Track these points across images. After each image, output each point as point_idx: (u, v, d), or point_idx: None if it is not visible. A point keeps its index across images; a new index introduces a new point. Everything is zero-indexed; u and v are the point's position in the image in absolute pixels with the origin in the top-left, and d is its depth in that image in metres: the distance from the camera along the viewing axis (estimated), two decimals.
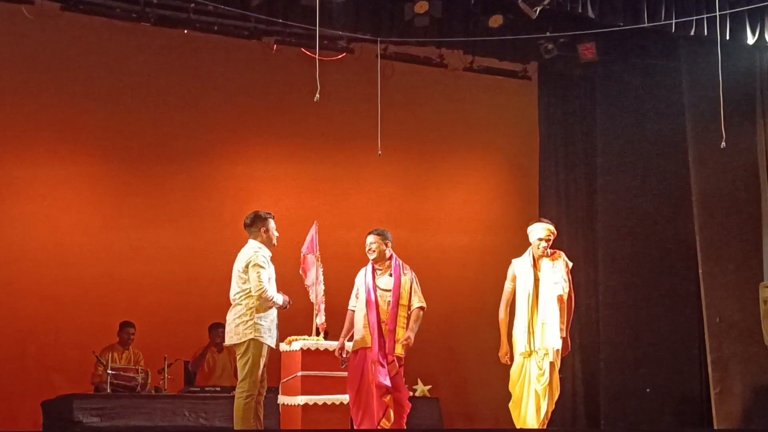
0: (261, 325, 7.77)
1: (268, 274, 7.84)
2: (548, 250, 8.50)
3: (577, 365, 11.44)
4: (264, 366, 7.86)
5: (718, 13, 9.63)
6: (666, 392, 11.05)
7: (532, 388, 8.34)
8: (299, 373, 8.31)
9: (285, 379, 8.54)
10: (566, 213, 11.82)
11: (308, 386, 8.27)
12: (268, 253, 7.93)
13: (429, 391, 10.77)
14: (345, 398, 8.21)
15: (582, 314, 11.56)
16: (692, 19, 9.90)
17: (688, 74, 10.71)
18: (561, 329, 8.39)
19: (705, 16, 9.85)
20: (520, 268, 8.55)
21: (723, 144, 9.20)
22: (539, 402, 8.32)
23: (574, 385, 11.40)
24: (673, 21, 9.90)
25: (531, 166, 12.08)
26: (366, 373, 8.00)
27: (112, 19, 10.40)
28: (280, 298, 7.84)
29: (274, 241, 8.00)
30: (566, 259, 8.57)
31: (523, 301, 8.46)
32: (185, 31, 10.58)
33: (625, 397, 11.12)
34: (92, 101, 11.14)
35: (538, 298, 8.41)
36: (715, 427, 10.15)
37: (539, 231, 8.52)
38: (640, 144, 11.46)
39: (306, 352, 8.33)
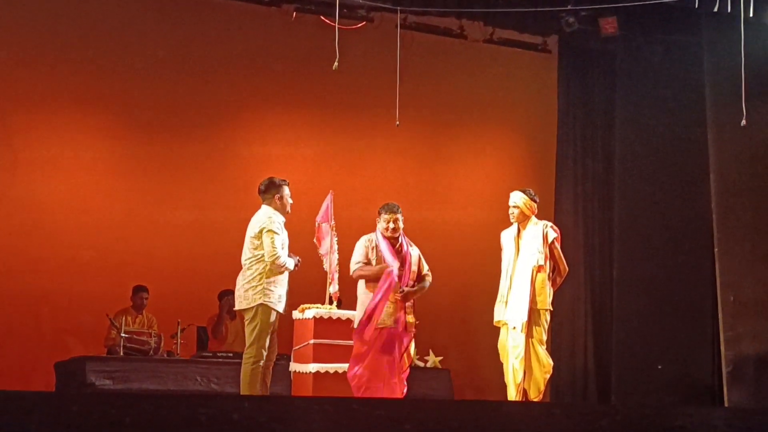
0: (271, 290, 7.82)
1: (281, 239, 7.85)
2: (534, 220, 8.46)
3: (590, 341, 11.45)
4: (273, 332, 7.91)
5: None
6: (678, 369, 11.05)
7: (510, 362, 8.34)
8: (311, 341, 8.34)
9: (297, 347, 8.57)
10: (583, 188, 11.79)
11: (320, 354, 8.30)
12: (281, 219, 7.95)
13: (440, 362, 10.79)
14: None
15: (596, 290, 11.57)
16: None
17: (709, 51, 10.62)
18: (538, 301, 8.32)
19: None
20: (504, 239, 8.57)
21: (743, 122, 9.14)
22: (517, 376, 8.29)
23: (586, 360, 11.41)
24: None
25: (548, 139, 12.03)
26: (383, 351, 8.05)
27: None
28: (291, 263, 7.87)
29: (288, 208, 8.02)
30: (549, 229, 8.47)
31: (503, 271, 8.48)
32: None
33: (637, 373, 11.12)
34: (110, 68, 11.15)
35: (515, 270, 8.40)
36: (726, 406, 10.14)
37: (510, 199, 8.52)
38: (659, 120, 11.39)
39: (319, 321, 8.35)
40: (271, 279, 7.83)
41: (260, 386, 7.80)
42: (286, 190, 8.04)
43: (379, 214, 8.25)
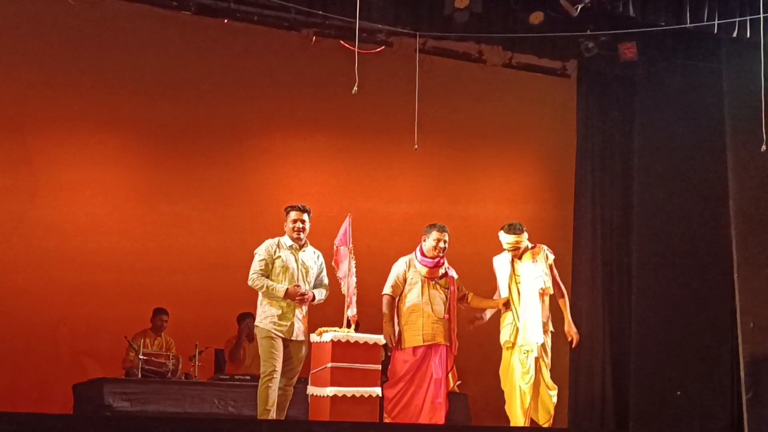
0: (263, 311, 8.02)
1: (264, 261, 8.02)
2: (528, 245, 8.53)
3: (608, 367, 11.38)
4: (292, 357, 8.05)
5: (762, 15, 9.53)
6: (697, 396, 10.97)
7: (517, 385, 8.33)
8: (329, 365, 8.30)
9: (314, 370, 8.54)
10: (601, 213, 11.75)
11: (338, 378, 8.25)
12: (288, 242, 8.09)
13: (458, 387, 10.74)
14: (374, 391, 8.22)
15: (614, 314, 11.52)
16: (735, 21, 9.80)
17: (729, 76, 10.61)
18: (545, 323, 8.37)
19: (748, 17, 9.75)
20: (498, 265, 8.65)
21: (763, 147, 9.12)
22: (525, 401, 8.29)
23: (604, 386, 11.34)
24: (716, 22, 9.81)
25: (567, 164, 12.01)
26: (428, 368, 8.17)
27: (153, 7, 10.46)
28: (278, 288, 7.96)
29: (294, 234, 8.12)
30: (548, 252, 8.56)
31: (502, 296, 8.57)
32: (225, 21, 10.62)
33: (655, 400, 11.05)
34: (132, 88, 11.20)
35: (520, 295, 8.43)
36: None
37: (503, 241, 8.57)
38: (678, 145, 11.36)
39: (336, 344, 8.31)
40: (266, 300, 8.04)
41: (273, 406, 7.84)
42: (292, 215, 8.15)
43: (428, 232, 8.38)
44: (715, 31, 9.89)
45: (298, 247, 8.15)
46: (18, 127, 10.85)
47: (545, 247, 8.61)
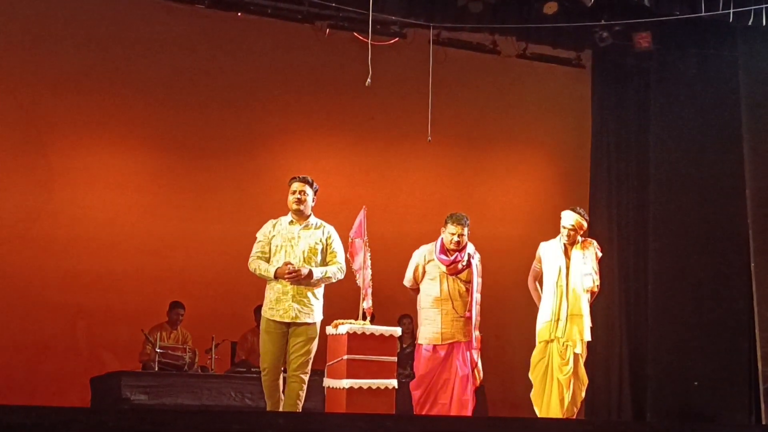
0: (265, 297, 7.79)
1: (263, 242, 7.79)
2: (579, 239, 8.41)
3: (625, 357, 11.37)
4: (266, 350, 7.76)
5: None
6: (714, 386, 10.94)
7: (555, 377, 8.29)
8: (345, 357, 8.31)
9: (330, 362, 8.55)
10: (617, 203, 11.73)
11: (353, 370, 8.26)
12: (288, 219, 7.81)
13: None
14: (390, 383, 8.22)
15: (631, 305, 11.50)
16: (750, 9, 9.75)
17: (744, 65, 10.56)
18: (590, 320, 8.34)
19: (764, 6, 9.70)
20: (546, 251, 8.47)
21: None
22: (562, 392, 8.25)
23: (621, 376, 11.33)
24: (731, 11, 9.76)
25: (583, 155, 11.98)
26: (452, 366, 8.20)
27: (167, 1, 10.48)
28: (270, 269, 7.68)
29: (294, 206, 7.76)
30: (597, 248, 8.46)
31: (549, 288, 8.37)
32: (239, 14, 10.63)
33: (672, 390, 11.02)
34: (146, 86, 11.23)
35: (568, 288, 8.33)
36: (764, 423, 10.04)
37: (565, 219, 8.38)
38: (694, 134, 11.32)
39: (352, 336, 8.32)
40: (267, 285, 7.77)
41: (279, 400, 7.78)
42: (291, 186, 7.81)
43: (446, 224, 8.27)
44: (731, 19, 9.84)
45: (297, 222, 7.79)
46: (33, 123, 10.89)
47: (595, 243, 8.52)
